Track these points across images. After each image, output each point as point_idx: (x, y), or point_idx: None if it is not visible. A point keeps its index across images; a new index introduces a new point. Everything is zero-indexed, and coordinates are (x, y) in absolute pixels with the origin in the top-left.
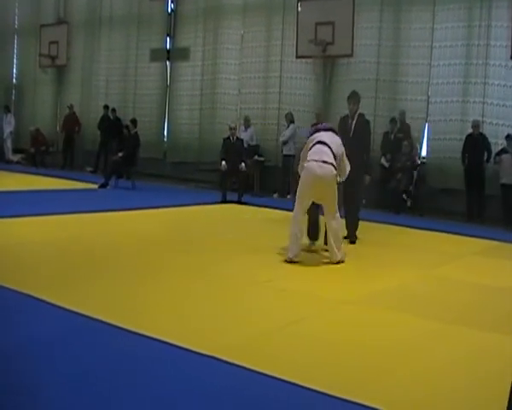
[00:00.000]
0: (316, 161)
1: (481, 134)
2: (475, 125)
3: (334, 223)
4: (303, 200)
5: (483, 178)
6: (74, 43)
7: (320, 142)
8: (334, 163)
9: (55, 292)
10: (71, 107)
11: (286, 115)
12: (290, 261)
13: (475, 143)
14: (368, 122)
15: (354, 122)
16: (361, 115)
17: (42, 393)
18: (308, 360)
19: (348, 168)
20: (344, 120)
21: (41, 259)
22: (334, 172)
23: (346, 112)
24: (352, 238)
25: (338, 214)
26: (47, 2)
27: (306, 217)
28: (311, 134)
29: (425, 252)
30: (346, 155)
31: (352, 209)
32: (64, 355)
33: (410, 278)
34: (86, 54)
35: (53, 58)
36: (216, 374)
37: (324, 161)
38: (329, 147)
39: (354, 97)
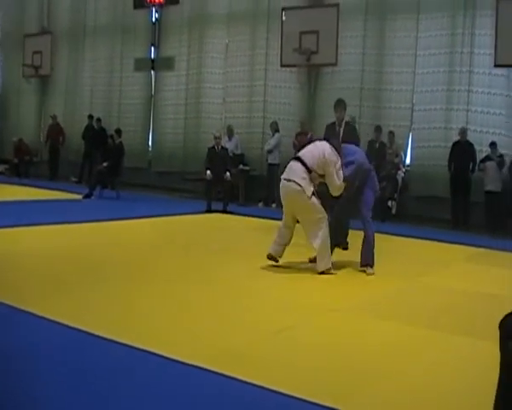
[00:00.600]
0: (283, 179)
1: (468, 142)
2: (462, 132)
3: (315, 242)
4: (284, 214)
5: (469, 186)
6: (58, 53)
7: (294, 158)
8: (302, 179)
9: (43, 304)
10: (54, 117)
11: (271, 124)
12: (269, 257)
13: (462, 151)
14: (355, 129)
15: (342, 129)
16: (348, 123)
17: (34, 407)
18: (296, 368)
19: (338, 180)
20: (331, 127)
21: (28, 270)
22: (298, 188)
23: (333, 119)
24: (344, 245)
25: (321, 231)
26: (31, 12)
27: (290, 230)
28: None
29: (411, 259)
30: None
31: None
32: (54, 369)
33: (397, 286)
34: (70, 64)
35: (37, 68)
36: (204, 384)
37: (288, 179)
38: (302, 161)
39: (341, 105)
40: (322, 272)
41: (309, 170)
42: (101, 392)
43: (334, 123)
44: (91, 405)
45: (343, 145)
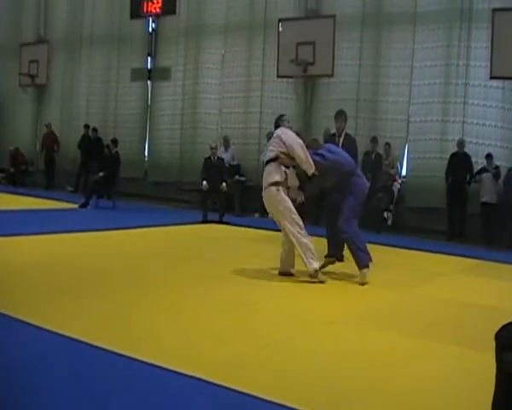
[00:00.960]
0: None
1: (465, 153)
2: (460, 143)
3: (293, 240)
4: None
5: (465, 197)
6: (54, 63)
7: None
8: (269, 177)
9: (39, 313)
10: (49, 125)
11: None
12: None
13: (459, 162)
14: (355, 141)
15: (341, 140)
16: (348, 134)
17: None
18: (294, 378)
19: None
20: (331, 138)
21: (24, 279)
22: (267, 189)
23: (331, 130)
24: (336, 256)
25: (295, 229)
26: (27, 21)
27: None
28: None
29: (407, 271)
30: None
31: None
32: (47, 378)
33: (393, 297)
34: (66, 73)
35: (33, 77)
36: (201, 394)
37: (263, 188)
38: (268, 160)
39: (341, 115)
40: (316, 272)
41: (274, 159)
42: (98, 402)
43: (334, 134)
44: None
45: (328, 145)
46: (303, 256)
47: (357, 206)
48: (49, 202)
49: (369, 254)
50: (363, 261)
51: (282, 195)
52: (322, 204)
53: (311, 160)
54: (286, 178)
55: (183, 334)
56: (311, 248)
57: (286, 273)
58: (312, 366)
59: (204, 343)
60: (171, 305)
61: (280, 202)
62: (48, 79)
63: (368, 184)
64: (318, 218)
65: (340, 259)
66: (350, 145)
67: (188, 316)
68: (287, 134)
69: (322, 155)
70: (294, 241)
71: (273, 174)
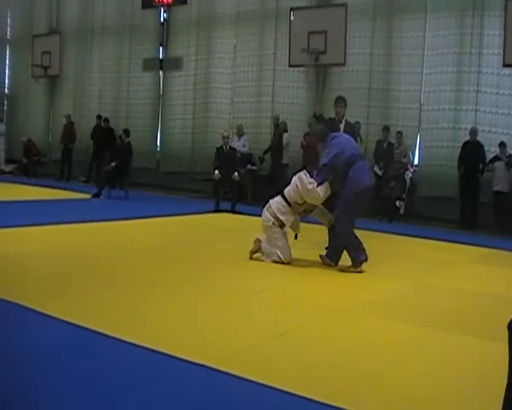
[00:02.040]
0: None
1: (478, 142)
2: (473, 132)
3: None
4: None
5: (478, 186)
6: (67, 54)
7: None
8: (273, 212)
9: (53, 303)
10: (68, 117)
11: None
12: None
13: (472, 151)
14: (354, 127)
15: (343, 126)
16: (348, 121)
17: (40, 405)
18: (303, 368)
19: (319, 194)
20: (333, 122)
21: (37, 270)
22: (268, 216)
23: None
24: (331, 259)
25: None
26: (39, 13)
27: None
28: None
29: (419, 260)
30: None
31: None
32: (62, 367)
33: (404, 287)
34: (79, 64)
35: (45, 68)
36: (211, 383)
37: (266, 209)
38: (282, 194)
39: (341, 101)
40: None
41: (289, 204)
42: (106, 390)
43: (333, 119)
44: (96, 402)
45: (336, 135)
46: (265, 250)
47: (350, 202)
48: (62, 193)
49: (363, 253)
50: (354, 264)
51: (273, 228)
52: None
53: (316, 191)
54: (294, 222)
55: (193, 324)
56: (271, 259)
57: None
58: (322, 356)
59: (215, 333)
60: (182, 295)
61: (269, 229)
62: (60, 70)
63: (366, 181)
64: None
65: (336, 264)
66: (350, 132)
67: (198, 306)
68: (302, 182)
69: (322, 168)
70: (265, 244)
71: (280, 212)
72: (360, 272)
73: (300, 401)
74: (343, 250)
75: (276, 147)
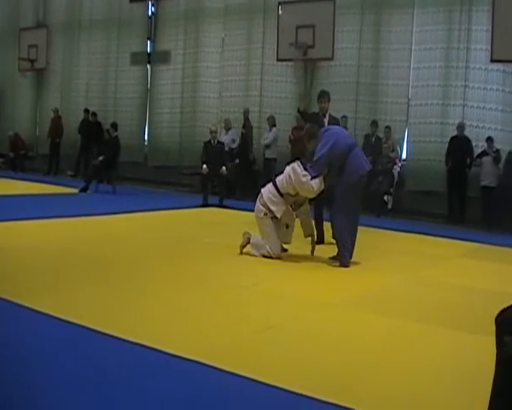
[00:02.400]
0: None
1: (465, 137)
2: (460, 127)
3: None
4: None
5: (465, 181)
6: (54, 47)
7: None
8: (268, 200)
9: (43, 299)
10: (55, 111)
11: (268, 119)
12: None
13: (459, 146)
14: (339, 121)
15: (327, 121)
16: (332, 115)
17: (34, 403)
18: (293, 362)
19: (313, 187)
20: (317, 116)
21: (25, 265)
22: (261, 207)
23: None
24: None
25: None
26: (26, 6)
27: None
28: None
29: (407, 255)
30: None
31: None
32: (54, 364)
33: (394, 281)
34: (66, 57)
35: (32, 62)
36: (203, 379)
37: (258, 199)
38: (274, 182)
39: (325, 96)
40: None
41: (281, 194)
42: (100, 386)
43: (317, 113)
44: (90, 400)
45: (328, 127)
46: (255, 242)
47: (347, 194)
48: (49, 187)
49: (351, 252)
50: (342, 259)
51: (265, 219)
52: None
53: (310, 185)
54: (286, 209)
55: (184, 319)
56: (261, 253)
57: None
58: (313, 350)
59: (206, 327)
60: (171, 290)
61: (261, 220)
62: (47, 64)
63: (365, 168)
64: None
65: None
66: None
67: (189, 301)
68: (296, 173)
69: (317, 161)
70: (258, 237)
71: (271, 203)
72: (347, 266)
73: (290, 395)
74: (350, 244)
75: (245, 141)
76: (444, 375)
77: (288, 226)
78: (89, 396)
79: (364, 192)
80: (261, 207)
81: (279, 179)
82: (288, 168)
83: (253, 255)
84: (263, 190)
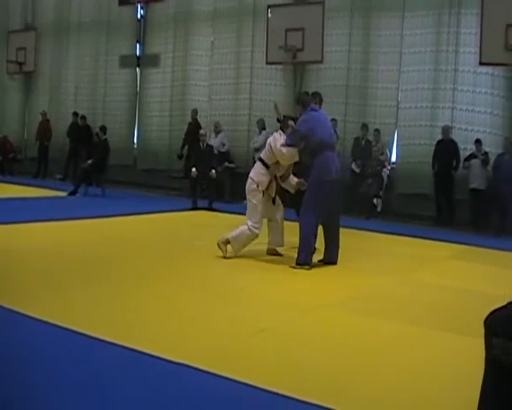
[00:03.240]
0: None
1: (451, 140)
2: (445, 130)
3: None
4: None
5: (452, 183)
6: (42, 50)
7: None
8: (257, 174)
9: (33, 303)
10: (44, 113)
11: (258, 122)
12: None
13: (445, 149)
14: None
15: None
16: None
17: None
18: (282, 365)
19: (283, 152)
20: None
21: (14, 269)
22: (251, 182)
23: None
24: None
25: (249, 224)
26: (14, 9)
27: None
28: None
29: (396, 257)
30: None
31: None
32: (42, 367)
33: (383, 283)
34: (54, 60)
35: (21, 65)
36: (192, 382)
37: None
38: (262, 160)
39: (317, 97)
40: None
41: (267, 166)
42: (91, 391)
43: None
44: (82, 403)
45: (318, 110)
46: (234, 235)
47: (316, 195)
48: (38, 190)
49: (310, 256)
50: (300, 259)
51: (257, 192)
52: None
53: (281, 150)
54: (270, 181)
55: (174, 322)
56: (243, 243)
57: (273, 253)
58: (304, 353)
59: (196, 331)
60: (162, 293)
61: (251, 195)
62: (36, 67)
63: (335, 174)
64: None
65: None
66: None
67: (179, 304)
68: (274, 140)
69: (294, 131)
70: (243, 227)
71: (258, 175)
72: (304, 268)
73: (280, 398)
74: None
75: (192, 143)
76: (436, 377)
77: (274, 202)
78: (77, 399)
79: (354, 195)
80: (250, 181)
81: (263, 153)
82: (269, 138)
83: (237, 251)
84: (253, 167)
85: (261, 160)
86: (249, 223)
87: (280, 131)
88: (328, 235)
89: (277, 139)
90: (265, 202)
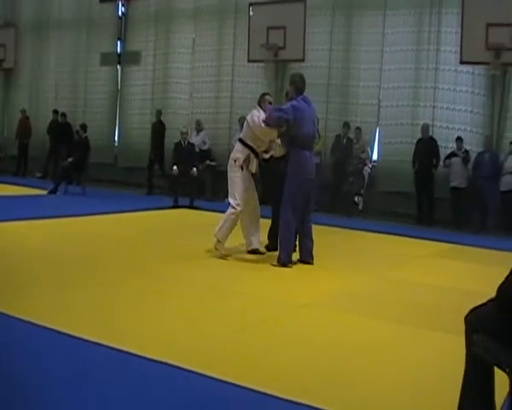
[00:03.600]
0: None
1: (431, 138)
2: (424, 129)
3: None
4: None
5: (433, 182)
6: (22, 47)
7: None
8: (236, 152)
9: (13, 303)
10: (23, 111)
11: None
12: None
13: (425, 147)
14: None
15: None
16: None
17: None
18: (267, 364)
19: (260, 123)
20: None
21: None
22: (231, 161)
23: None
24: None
25: (233, 205)
26: None
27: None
28: None
29: (378, 255)
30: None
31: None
32: (22, 366)
33: (365, 281)
34: (34, 57)
35: (0, 61)
36: (171, 380)
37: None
38: (241, 140)
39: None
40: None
41: (245, 144)
42: (77, 393)
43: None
44: (67, 406)
45: (305, 98)
46: (218, 228)
47: (295, 194)
48: (18, 188)
49: (291, 254)
50: (282, 258)
51: (236, 169)
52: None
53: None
54: (248, 156)
55: (157, 321)
56: (229, 229)
57: (254, 251)
58: (286, 351)
59: (179, 330)
60: (145, 293)
61: (231, 173)
62: (15, 64)
63: (311, 174)
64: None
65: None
66: None
67: (162, 303)
68: (252, 117)
69: (281, 113)
70: (225, 215)
71: (235, 152)
72: (286, 266)
73: (268, 398)
74: (294, 244)
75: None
76: (422, 375)
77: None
78: (58, 398)
79: (335, 193)
80: (230, 161)
81: (242, 132)
82: (248, 117)
83: (224, 238)
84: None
85: (240, 139)
86: (232, 201)
87: (258, 108)
88: (303, 233)
89: (254, 114)
90: (245, 181)
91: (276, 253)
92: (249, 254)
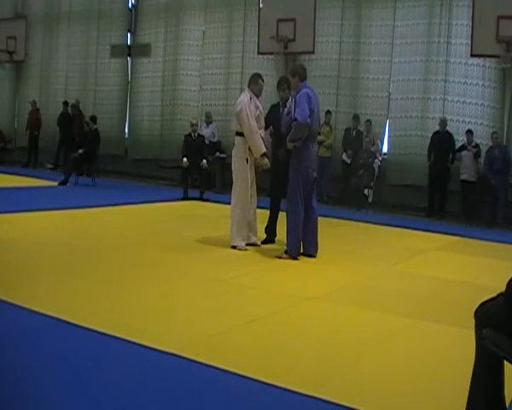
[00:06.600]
0: None
1: (447, 132)
2: (442, 122)
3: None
4: None
5: (447, 175)
6: (33, 39)
7: None
8: (235, 148)
9: (23, 292)
10: (33, 103)
11: None
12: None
13: (441, 141)
14: None
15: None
16: None
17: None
18: (271, 355)
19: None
20: (275, 107)
21: (4, 258)
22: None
23: None
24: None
25: (236, 200)
26: None
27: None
28: None
29: (387, 248)
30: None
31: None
32: (35, 359)
33: (373, 274)
34: (45, 49)
35: (11, 53)
36: (179, 371)
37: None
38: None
39: (282, 84)
40: (234, 247)
41: (240, 134)
42: (79, 380)
43: (278, 103)
44: (70, 393)
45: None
46: (231, 229)
47: (298, 185)
48: (28, 180)
49: (299, 246)
50: (290, 248)
51: (240, 165)
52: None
53: (256, 137)
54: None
55: (164, 312)
56: (243, 225)
57: (251, 244)
58: (293, 343)
59: (186, 321)
60: (151, 283)
61: (237, 170)
62: (26, 56)
63: (314, 166)
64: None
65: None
66: None
67: (169, 294)
68: (239, 104)
69: (304, 105)
70: (232, 215)
71: (236, 148)
72: (296, 259)
73: (270, 388)
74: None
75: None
76: (426, 368)
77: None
78: (66, 390)
79: (345, 186)
80: (234, 159)
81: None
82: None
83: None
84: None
85: (236, 133)
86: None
87: (247, 91)
88: (308, 225)
89: (240, 103)
90: (249, 169)
91: (273, 245)
92: (251, 247)
